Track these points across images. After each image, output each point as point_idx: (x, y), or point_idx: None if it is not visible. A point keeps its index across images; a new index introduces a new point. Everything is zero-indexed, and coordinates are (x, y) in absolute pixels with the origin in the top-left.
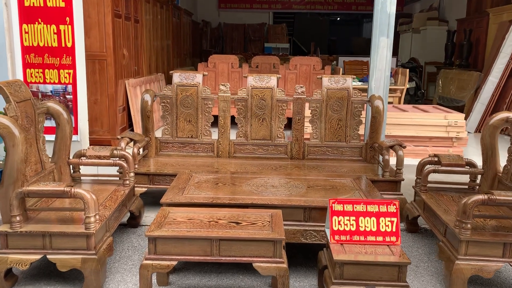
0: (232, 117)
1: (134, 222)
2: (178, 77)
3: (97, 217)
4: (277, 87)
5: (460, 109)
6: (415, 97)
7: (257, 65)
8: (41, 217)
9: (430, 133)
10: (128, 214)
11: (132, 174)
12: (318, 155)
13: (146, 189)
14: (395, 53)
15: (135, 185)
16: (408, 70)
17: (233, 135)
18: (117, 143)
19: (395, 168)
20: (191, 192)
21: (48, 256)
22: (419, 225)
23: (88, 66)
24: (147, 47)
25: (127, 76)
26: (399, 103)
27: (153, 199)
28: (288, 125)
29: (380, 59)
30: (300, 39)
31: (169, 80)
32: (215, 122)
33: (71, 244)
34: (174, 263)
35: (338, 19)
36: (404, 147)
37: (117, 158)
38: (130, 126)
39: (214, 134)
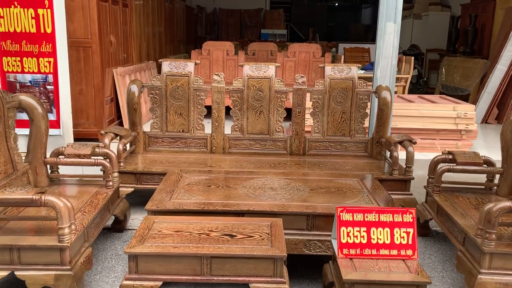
0: (227, 108)
1: (119, 226)
2: (167, 66)
3: (73, 227)
4: (276, 76)
5: (464, 98)
6: (417, 86)
7: (253, 52)
8: (9, 227)
9: (438, 126)
10: (113, 217)
11: (116, 174)
12: (320, 151)
13: (132, 189)
14: None
15: (121, 185)
16: (412, 58)
17: (228, 128)
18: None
19: (404, 166)
20: (180, 196)
21: (16, 273)
22: (430, 228)
23: (72, 54)
24: (137, 33)
25: (115, 65)
26: (403, 93)
27: (141, 199)
28: (287, 116)
29: (387, 46)
30: (297, 25)
31: (161, 69)
32: (208, 114)
33: (42, 259)
34: (159, 283)
35: (336, 4)
36: (415, 142)
37: (100, 157)
38: (119, 118)
39: (207, 126)
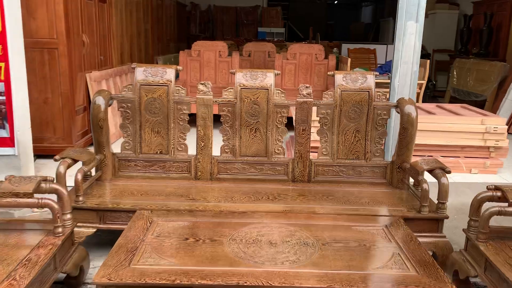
0: (216, 117)
1: (74, 281)
2: (142, 72)
3: None
4: (274, 86)
5: (479, 104)
6: (426, 90)
7: (249, 54)
8: None
9: (463, 141)
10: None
11: (68, 216)
12: (328, 177)
13: (95, 230)
14: None
15: (80, 224)
16: (428, 61)
17: (216, 149)
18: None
19: (433, 200)
20: (145, 258)
21: None
22: (471, 282)
23: (35, 57)
24: (118, 32)
25: (89, 68)
26: (417, 101)
27: (110, 236)
28: (288, 126)
29: (407, 49)
30: (296, 23)
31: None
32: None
33: None
34: None
35: (336, 2)
36: (449, 172)
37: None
38: None
39: (191, 147)
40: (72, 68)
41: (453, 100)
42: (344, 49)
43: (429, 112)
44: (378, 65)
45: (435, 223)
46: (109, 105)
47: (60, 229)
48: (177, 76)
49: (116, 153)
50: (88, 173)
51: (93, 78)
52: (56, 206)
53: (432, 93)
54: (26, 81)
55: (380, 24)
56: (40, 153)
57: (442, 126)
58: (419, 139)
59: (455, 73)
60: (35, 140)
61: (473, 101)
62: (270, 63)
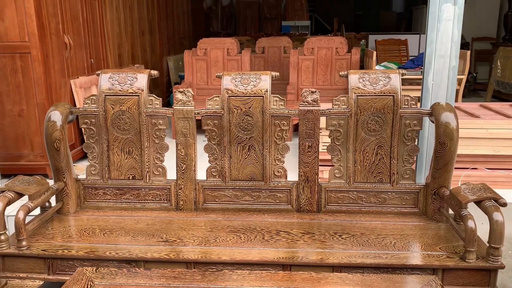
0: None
1: None
2: (107, 80)
3: None
4: (290, 85)
5: None
6: (466, 83)
7: (262, 50)
8: None
9: None
10: None
11: None
12: (343, 205)
13: (41, 282)
14: None
15: (22, 274)
16: (468, 52)
17: (202, 171)
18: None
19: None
20: None
21: None
22: None
23: (6, 63)
24: (115, 31)
25: (76, 74)
26: (457, 99)
27: None
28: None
29: (443, 39)
30: (322, 15)
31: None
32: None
33: None
34: None
35: None
36: (504, 204)
37: None
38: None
39: (170, 166)
40: (51, 74)
41: (497, 94)
42: (372, 41)
43: (472, 115)
44: (410, 59)
45: (486, 274)
46: (70, 122)
47: None
48: (182, 77)
49: (81, 179)
50: (26, 215)
51: (79, 85)
52: None
53: (473, 86)
54: None
55: (412, 13)
56: (17, 172)
57: (489, 132)
58: (460, 148)
59: (499, 63)
60: (11, 158)
61: None
62: (286, 59)
